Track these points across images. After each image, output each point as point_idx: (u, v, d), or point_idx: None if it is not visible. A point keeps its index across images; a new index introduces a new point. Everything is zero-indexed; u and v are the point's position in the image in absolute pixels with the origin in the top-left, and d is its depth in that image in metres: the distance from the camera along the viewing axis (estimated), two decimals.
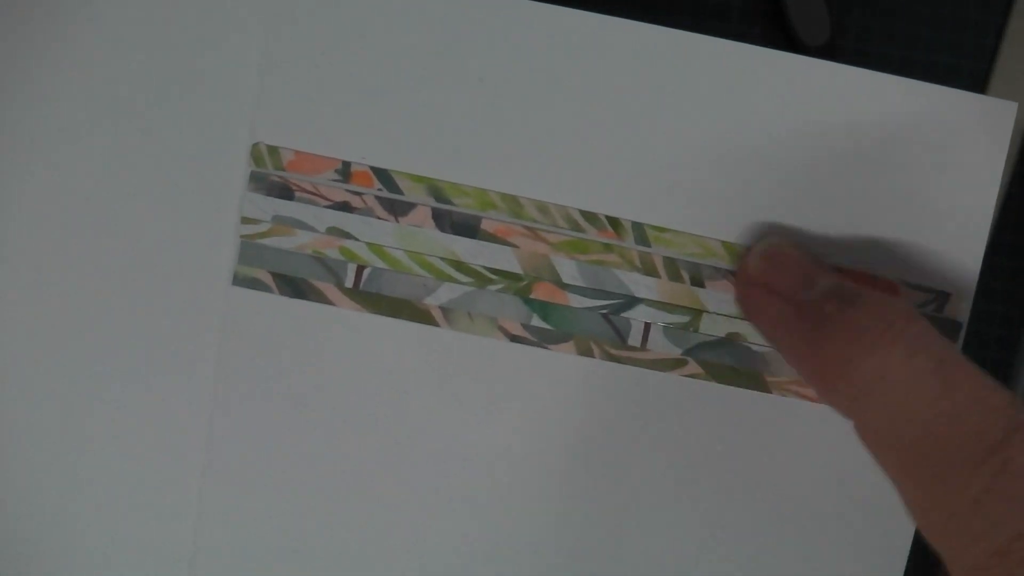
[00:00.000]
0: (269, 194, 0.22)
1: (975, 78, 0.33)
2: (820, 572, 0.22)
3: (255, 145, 0.22)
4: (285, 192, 0.22)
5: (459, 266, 0.22)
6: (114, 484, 0.23)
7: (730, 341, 0.22)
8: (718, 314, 0.22)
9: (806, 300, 0.19)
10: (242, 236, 0.22)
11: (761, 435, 0.22)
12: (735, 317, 0.22)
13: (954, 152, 0.21)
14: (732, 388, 0.22)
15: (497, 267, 0.22)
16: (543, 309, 0.22)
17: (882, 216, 0.22)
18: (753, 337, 0.22)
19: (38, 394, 0.22)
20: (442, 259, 0.22)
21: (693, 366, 0.22)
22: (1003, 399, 0.18)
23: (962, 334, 0.22)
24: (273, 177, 0.22)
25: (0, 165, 0.22)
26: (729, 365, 0.22)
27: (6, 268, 0.22)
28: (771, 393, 0.22)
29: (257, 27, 0.22)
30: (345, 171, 0.22)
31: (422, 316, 0.22)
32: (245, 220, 0.22)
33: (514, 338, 0.22)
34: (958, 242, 0.22)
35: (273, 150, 0.22)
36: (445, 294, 0.22)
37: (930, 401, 0.18)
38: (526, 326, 0.22)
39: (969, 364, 0.18)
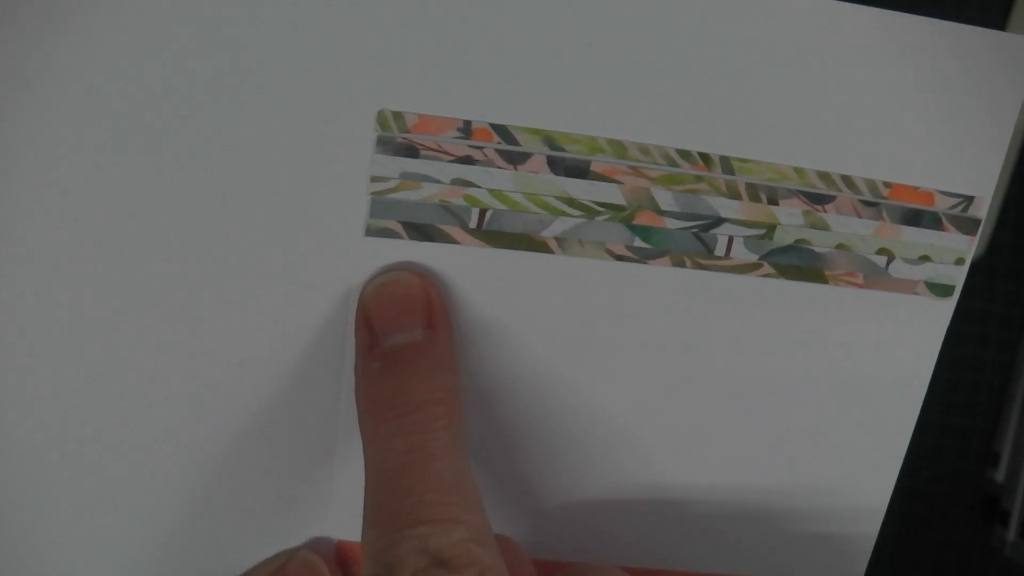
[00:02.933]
0: (396, 155, 0.24)
1: None
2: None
3: (380, 111, 0.24)
4: (411, 151, 0.24)
5: (571, 203, 0.25)
6: (256, 429, 0.26)
7: (797, 246, 0.26)
8: (789, 225, 0.26)
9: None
10: (372, 193, 0.24)
11: (820, 319, 0.27)
12: (803, 226, 0.26)
13: (977, 80, 0.25)
14: (797, 283, 0.27)
15: (605, 201, 0.25)
16: (644, 232, 0.26)
17: (917, 134, 0.26)
18: (816, 242, 0.26)
19: (159, 343, 0.25)
20: (556, 198, 0.25)
21: (767, 268, 0.26)
22: None
23: (980, 227, 0.27)
24: (399, 139, 0.24)
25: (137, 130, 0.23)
26: (796, 265, 0.26)
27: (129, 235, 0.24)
28: (828, 284, 0.27)
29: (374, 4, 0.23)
30: (466, 129, 0.24)
31: (539, 246, 0.25)
32: (374, 179, 0.24)
33: (619, 257, 0.26)
34: (981, 150, 0.26)
35: (397, 115, 0.24)
36: (559, 227, 0.25)
37: None
38: (629, 247, 0.26)
39: None
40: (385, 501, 0.22)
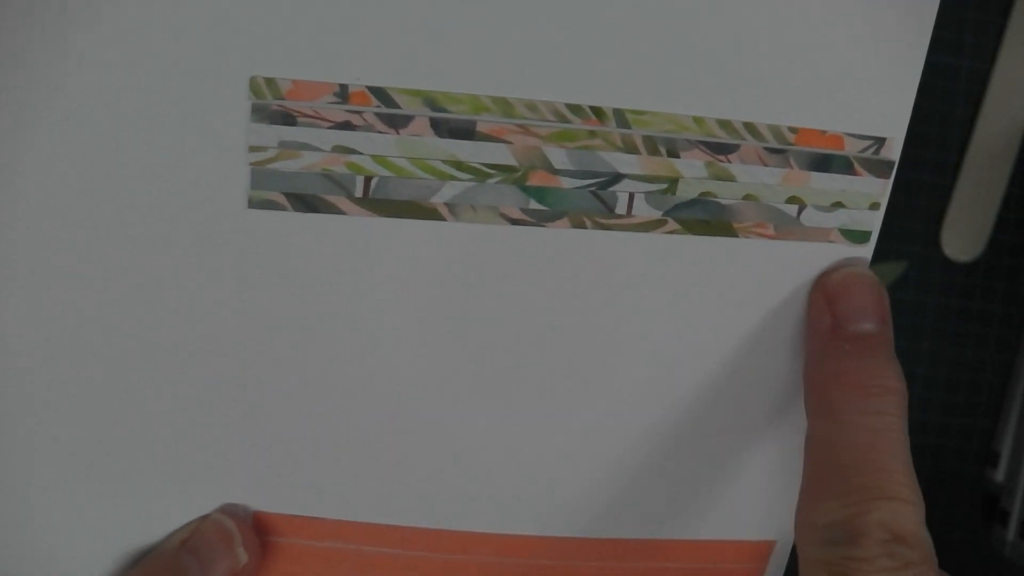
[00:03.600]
0: (272, 123, 0.23)
1: (975, 78, 0.32)
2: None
3: (252, 78, 0.23)
4: (288, 119, 0.23)
5: (459, 166, 0.24)
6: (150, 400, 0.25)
7: (702, 200, 0.25)
8: (692, 178, 0.25)
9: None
10: (251, 164, 0.23)
11: (731, 273, 0.26)
12: (707, 178, 0.25)
13: (883, 17, 0.24)
14: (705, 237, 0.25)
15: (494, 162, 0.24)
16: (539, 193, 0.25)
17: (822, 75, 0.24)
18: (722, 194, 0.25)
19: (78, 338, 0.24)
20: (443, 162, 0.24)
21: (672, 224, 0.25)
22: None
23: (894, 170, 0.25)
24: (274, 106, 0.23)
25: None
26: (702, 219, 0.25)
27: (28, 216, 0.23)
28: (737, 237, 0.26)
29: None
30: (343, 93, 0.23)
31: (429, 213, 0.24)
32: (253, 149, 0.23)
33: (515, 221, 0.25)
34: (890, 90, 0.25)
35: (271, 81, 0.23)
36: (448, 192, 0.24)
37: None
38: (524, 210, 0.25)
39: None
40: (853, 472, 0.24)
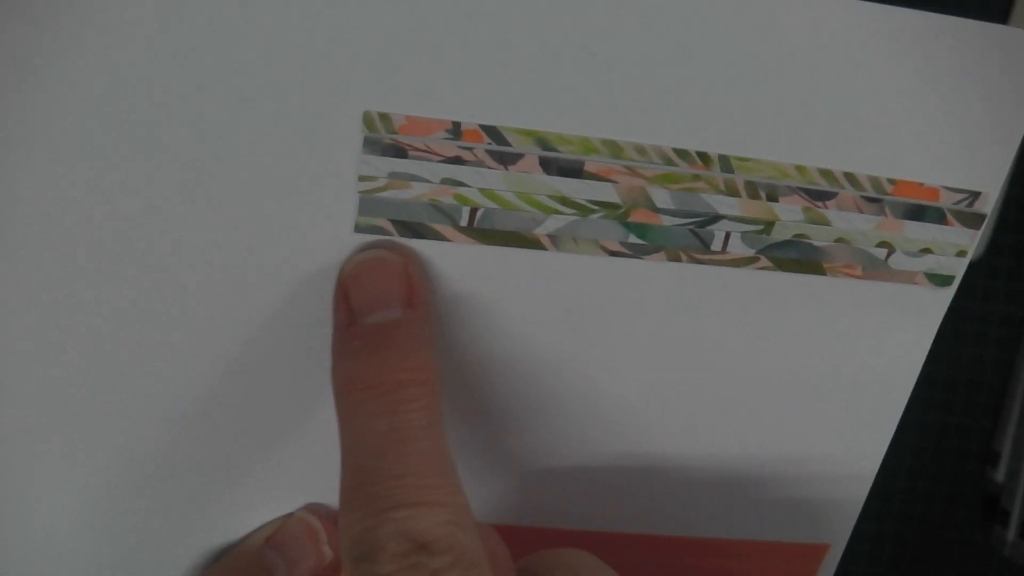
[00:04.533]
0: (384, 155, 0.23)
1: None
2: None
3: (366, 112, 0.23)
4: (399, 152, 0.23)
5: (564, 201, 0.24)
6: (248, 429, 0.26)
7: (795, 241, 0.26)
8: (789, 221, 0.25)
9: None
10: (360, 192, 0.24)
11: (815, 310, 0.27)
12: (803, 222, 0.25)
13: (983, 75, 0.24)
14: (794, 275, 0.26)
15: (599, 199, 0.24)
16: (639, 229, 0.25)
17: (923, 129, 0.25)
18: (815, 236, 0.26)
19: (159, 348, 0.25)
20: (549, 196, 0.24)
21: (764, 262, 0.26)
22: None
23: (984, 222, 0.26)
24: (386, 140, 0.23)
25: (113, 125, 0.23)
26: (793, 258, 0.26)
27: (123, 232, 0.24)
28: (826, 275, 0.26)
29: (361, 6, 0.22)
30: (455, 130, 0.23)
31: (531, 243, 0.25)
32: (362, 178, 0.24)
33: (613, 253, 0.25)
34: (990, 146, 0.25)
35: (384, 116, 0.23)
36: (552, 224, 0.25)
37: None
38: (623, 243, 0.25)
39: None
40: (365, 482, 0.22)
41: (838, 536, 0.31)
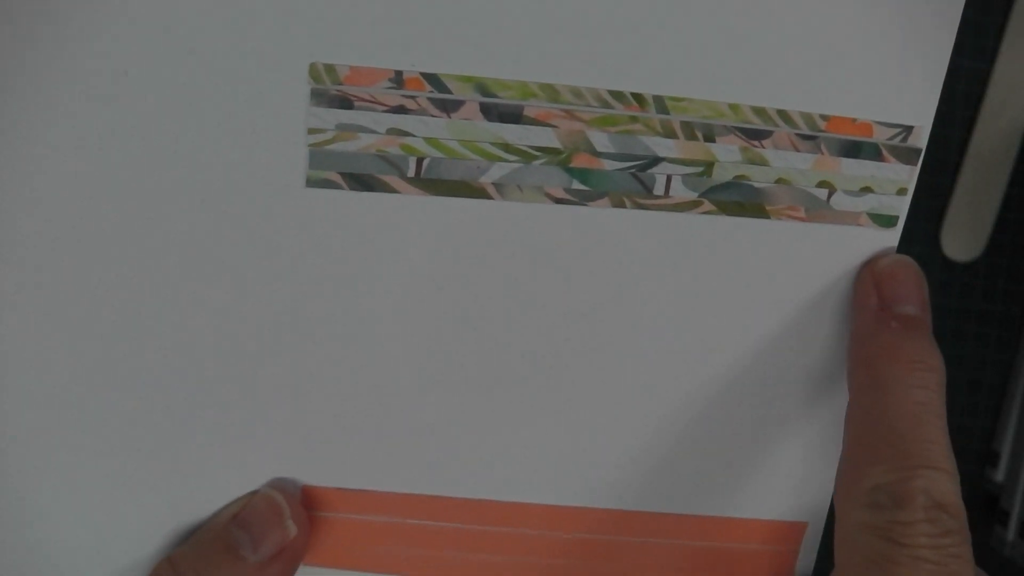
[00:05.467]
0: (331, 107, 0.24)
1: (975, 78, 0.32)
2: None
3: (312, 64, 0.24)
4: (345, 103, 0.25)
5: (507, 148, 0.25)
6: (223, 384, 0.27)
7: (736, 183, 0.26)
8: (727, 162, 0.26)
9: None
10: (310, 145, 0.25)
11: (763, 253, 0.27)
12: (742, 162, 0.26)
13: (911, 8, 0.25)
14: (739, 218, 0.27)
15: (540, 145, 0.25)
16: (582, 174, 0.26)
17: (853, 65, 0.26)
18: (755, 177, 0.26)
19: (129, 307, 0.26)
20: (492, 144, 0.25)
21: (708, 205, 0.26)
22: None
23: (921, 157, 0.27)
24: (332, 91, 0.24)
25: (66, 95, 0.24)
26: (736, 201, 0.27)
27: (84, 193, 0.25)
28: (770, 219, 0.27)
29: None
30: (398, 79, 0.25)
31: (478, 192, 0.26)
32: (311, 131, 0.25)
33: (558, 201, 0.26)
34: (919, 80, 0.26)
35: (329, 67, 0.24)
36: (496, 172, 0.26)
37: None
38: (568, 190, 0.26)
39: None
40: (898, 441, 0.25)
41: (815, 515, 0.31)
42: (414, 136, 0.25)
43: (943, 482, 0.24)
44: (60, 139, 0.24)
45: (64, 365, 0.26)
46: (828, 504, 0.31)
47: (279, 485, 0.29)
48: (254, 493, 0.28)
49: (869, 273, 0.28)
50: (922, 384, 0.26)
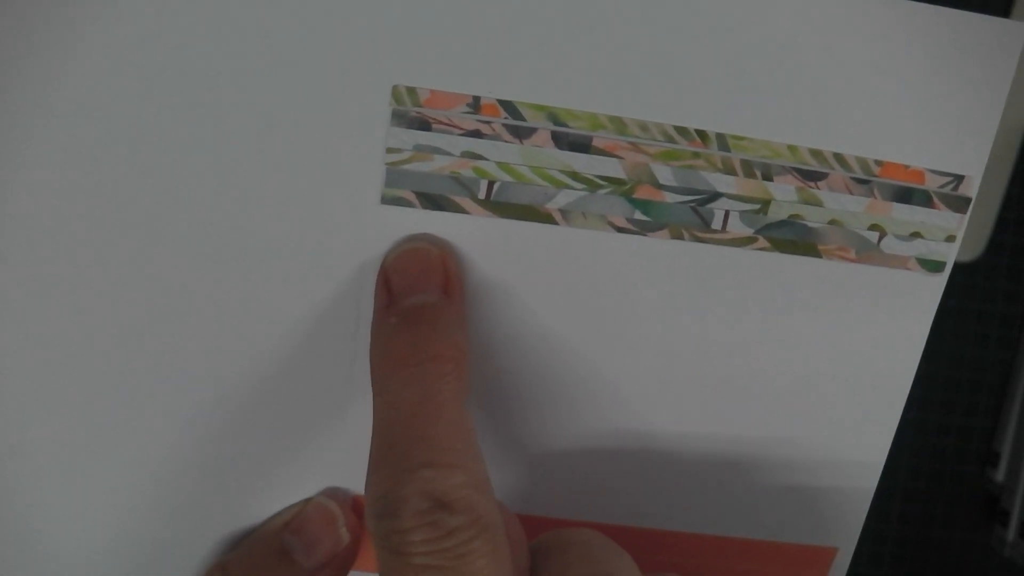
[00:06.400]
0: (410, 127, 0.26)
1: None
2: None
3: (395, 86, 0.25)
4: (424, 125, 0.26)
5: (575, 176, 0.27)
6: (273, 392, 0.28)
7: (791, 221, 0.27)
8: (783, 201, 0.27)
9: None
10: (387, 163, 0.26)
11: (813, 292, 0.28)
12: (797, 202, 0.27)
13: (966, 62, 0.26)
14: (792, 256, 0.28)
15: (606, 175, 0.27)
16: (644, 205, 0.27)
17: (908, 113, 0.27)
18: (809, 217, 0.27)
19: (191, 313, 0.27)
20: (560, 171, 0.27)
21: (762, 242, 0.28)
22: None
23: (970, 206, 0.28)
24: (412, 113, 0.26)
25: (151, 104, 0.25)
26: (790, 239, 0.28)
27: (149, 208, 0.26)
28: (821, 258, 0.28)
29: None
30: (475, 104, 0.26)
31: (544, 217, 0.27)
32: (389, 150, 0.26)
33: (620, 229, 0.27)
34: (971, 131, 0.27)
35: (411, 90, 0.26)
36: (563, 199, 0.27)
37: None
38: (630, 219, 0.27)
39: None
40: (392, 444, 0.24)
41: (846, 540, 0.31)
42: (487, 160, 0.26)
43: (442, 479, 0.23)
44: (135, 167, 0.25)
45: (115, 373, 0.27)
46: (859, 529, 0.32)
47: (332, 494, 0.30)
48: (307, 501, 0.29)
49: (381, 268, 0.27)
50: (418, 379, 0.24)
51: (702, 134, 0.27)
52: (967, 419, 0.44)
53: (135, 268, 0.26)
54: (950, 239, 0.28)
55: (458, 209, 0.27)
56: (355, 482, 0.30)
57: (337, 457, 0.29)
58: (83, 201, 0.26)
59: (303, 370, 0.28)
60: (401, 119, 0.26)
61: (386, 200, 0.26)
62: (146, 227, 0.26)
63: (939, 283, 0.29)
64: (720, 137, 0.27)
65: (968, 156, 0.27)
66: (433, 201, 0.27)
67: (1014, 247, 0.40)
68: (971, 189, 0.28)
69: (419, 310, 0.26)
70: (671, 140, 0.27)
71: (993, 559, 0.44)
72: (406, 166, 0.26)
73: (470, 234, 0.27)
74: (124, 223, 0.26)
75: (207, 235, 0.26)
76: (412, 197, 0.26)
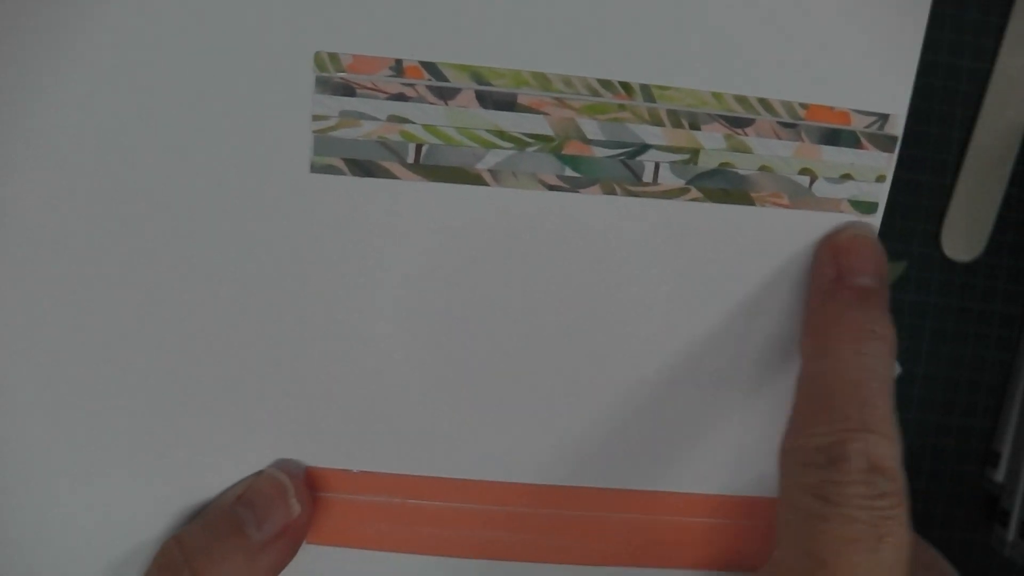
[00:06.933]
0: (334, 94, 0.26)
1: (975, 78, 0.32)
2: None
3: (317, 53, 0.25)
4: (348, 90, 0.26)
5: (502, 135, 0.27)
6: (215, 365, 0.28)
7: (722, 170, 0.28)
8: (712, 149, 0.27)
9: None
10: (314, 131, 0.26)
11: (748, 238, 0.28)
12: (726, 150, 0.27)
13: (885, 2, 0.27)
14: (725, 205, 0.28)
15: (533, 132, 0.27)
16: (573, 161, 0.27)
17: (831, 55, 0.27)
18: (740, 165, 0.28)
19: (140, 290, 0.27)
20: (487, 131, 0.27)
21: (695, 192, 0.28)
22: None
23: (898, 145, 0.28)
24: (336, 79, 0.26)
25: (80, 76, 0.25)
26: (722, 188, 0.28)
27: (93, 176, 0.26)
28: (755, 205, 0.28)
29: None
30: (398, 67, 0.26)
31: (474, 179, 0.27)
32: (316, 117, 0.26)
33: (551, 187, 0.27)
34: (892, 70, 0.27)
35: (333, 56, 0.26)
36: (492, 159, 0.27)
37: None
38: (560, 176, 0.27)
39: None
40: (834, 405, 0.26)
41: None
42: (413, 123, 0.26)
43: (881, 446, 0.25)
44: (64, 125, 0.25)
45: (68, 349, 0.27)
46: None
47: (283, 466, 0.29)
48: (259, 473, 0.29)
49: (828, 245, 0.29)
50: (869, 351, 0.26)
51: (626, 86, 0.27)
52: (967, 419, 0.44)
53: (77, 240, 0.26)
54: (880, 179, 0.28)
55: (388, 175, 0.27)
56: (307, 454, 0.29)
57: (290, 429, 0.29)
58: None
59: (249, 343, 0.28)
60: (325, 85, 0.26)
61: (316, 168, 0.26)
62: (77, 199, 0.26)
63: (874, 224, 0.29)
64: (645, 88, 0.27)
65: (891, 94, 0.28)
66: (362, 167, 0.26)
67: (1014, 247, 0.40)
68: (897, 128, 0.28)
69: (869, 292, 0.28)
70: (596, 94, 0.27)
71: (993, 559, 0.44)
72: (333, 133, 0.26)
73: (401, 199, 0.27)
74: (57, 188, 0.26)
75: (144, 207, 0.26)
76: (341, 164, 0.26)
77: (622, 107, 0.27)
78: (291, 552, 0.29)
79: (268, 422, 0.29)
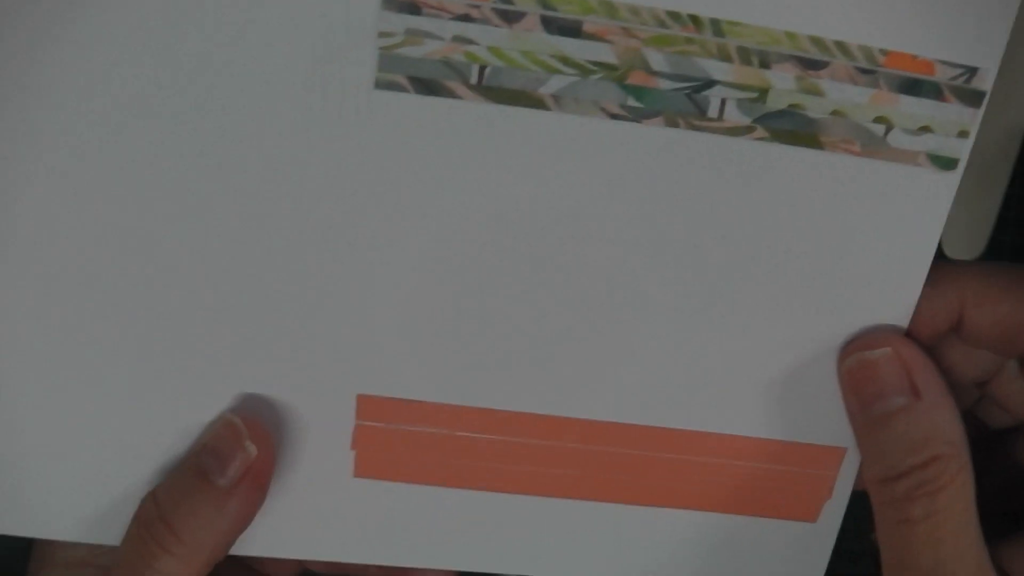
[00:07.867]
0: (400, 11, 0.26)
1: None
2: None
3: None
4: (414, 8, 0.26)
5: (565, 61, 0.26)
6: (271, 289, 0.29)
7: (791, 111, 0.27)
8: (782, 90, 0.26)
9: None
10: (380, 48, 0.26)
11: (814, 186, 0.27)
12: (797, 91, 0.26)
13: None
14: (792, 147, 0.27)
15: (597, 60, 0.26)
16: (636, 92, 0.27)
17: (915, 1, 0.25)
18: (810, 107, 0.27)
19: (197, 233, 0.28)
20: (550, 56, 0.26)
21: (760, 131, 0.27)
22: None
23: (985, 100, 0.26)
24: None
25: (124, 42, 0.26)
26: (789, 129, 0.27)
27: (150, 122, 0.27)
28: (824, 150, 0.27)
29: None
30: None
31: (536, 102, 0.27)
32: (382, 34, 0.26)
33: (613, 116, 0.27)
34: (986, 20, 0.26)
35: None
36: (555, 84, 0.27)
37: None
38: (623, 106, 0.27)
39: None
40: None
41: (854, 441, 0.31)
42: (477, 44, 0.26)
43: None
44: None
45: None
46: None
47: (237, 408, 0.30)
48: (216, 419, 0.30)
49: (840, 376, 0.30)
50: (924, 495, 0.27)
51: (695, 19, 0.26)
52: None
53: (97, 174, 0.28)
54: (963, 135, 0.27)
55: (451, 94, 0.27)
56: (359, 382, 0.30)
57: (338, 356, 0.30)
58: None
59: (299, 265, 0.29)
60: (392, 3, 0.26)
61: (380, 84, 0.27)
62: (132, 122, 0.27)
63: (952, 181, 0.27)
64: (715, 22, 0.26)
65: (983, 46, 0.26)
66: (426, 86, 0.27)
67: (1014, 247, 0.39)
68: (986, 82, 0.26)
69: (899, 414, 0.28)
70: (663, 25, 0.26)
71: None
72: (398, 50, 0.26)
73: (464, 119, 0.27)
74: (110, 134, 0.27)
75: (202, 123, 0.27)
76: (405, 82, 0.27)
77: (690, 40, 0.26)
78: (259, 498, 0.30)
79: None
